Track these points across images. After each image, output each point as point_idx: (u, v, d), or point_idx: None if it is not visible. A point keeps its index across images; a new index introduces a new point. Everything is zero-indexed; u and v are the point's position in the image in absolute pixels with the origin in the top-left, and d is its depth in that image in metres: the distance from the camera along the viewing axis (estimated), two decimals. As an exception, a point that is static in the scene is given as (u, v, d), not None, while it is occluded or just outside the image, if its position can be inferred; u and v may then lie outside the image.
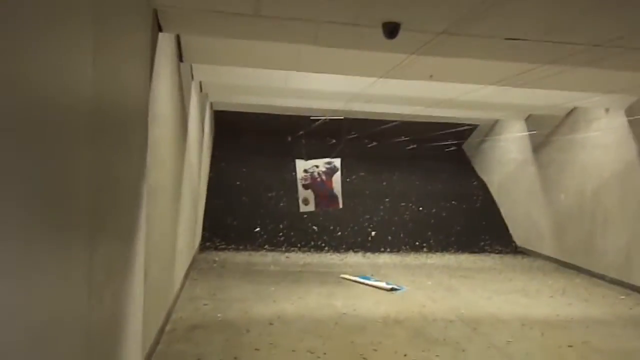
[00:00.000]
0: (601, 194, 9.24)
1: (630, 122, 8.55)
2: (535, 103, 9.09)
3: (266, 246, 10.83)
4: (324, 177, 9.48)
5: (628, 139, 8.61)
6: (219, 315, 6.14)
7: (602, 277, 9.05)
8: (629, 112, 8.58)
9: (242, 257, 10.05)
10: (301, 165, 9.47)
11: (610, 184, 9.01)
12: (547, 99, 8.35)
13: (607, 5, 3.38)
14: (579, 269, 9.69)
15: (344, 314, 6.49)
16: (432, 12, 3.44)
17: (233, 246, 10.63)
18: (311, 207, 9.60)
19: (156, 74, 4.17)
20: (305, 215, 11.17)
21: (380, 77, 5.76)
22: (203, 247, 10.37)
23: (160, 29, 4.28)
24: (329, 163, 9.58)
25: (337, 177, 9.57)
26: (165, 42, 4.68)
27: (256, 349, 5.04)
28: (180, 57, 5.84)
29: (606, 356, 5.30)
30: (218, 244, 10.60)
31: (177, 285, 6.68)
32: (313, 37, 4.69)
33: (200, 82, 8.57)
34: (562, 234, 10.42)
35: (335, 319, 6.25)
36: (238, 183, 12.36)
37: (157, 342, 4.85)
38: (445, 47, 4.22)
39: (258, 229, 11.24)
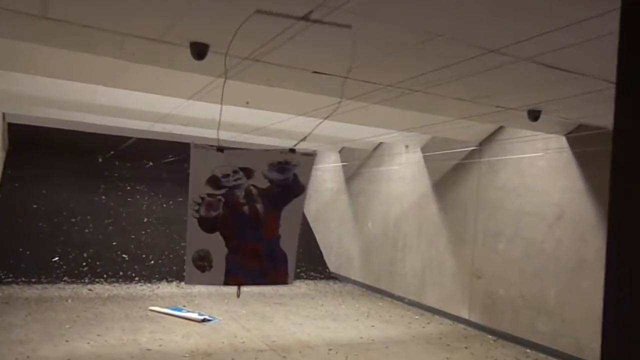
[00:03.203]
0: (402, 223, 10.15)
1: (425, 158, 9.60)
2: (345, 136, 9.70)
3: (65, 278, 9.65)
4: (258, 206, 3.98)
5: (423, 173, 9.64)
6: (-9, 362, 5.22)
7: (401, 299, 9.87)
8: (424, 149, 9.64)
9: (33, 291, 8.79)
10: (206, 162, 4.06)
11: (409, 213, 9.96)
12: (355, 133, 8.98)
13: (398, 51, 3.69)
14: (383, 292, 10.45)
15: (148, 350, 6.01)
16: (238, 37, 3.40)
17: (23, 279, 9.26)
18: (216, 278, 3.99)
19: None
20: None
21: (191, 99, 5.57)
22: (-17, 281, 8.86)
23: None
24: (280, 167, 3.95)
25: (295, 205, 4.11)
26: None
27: (34, 400, 4.35)
28: (-47, 57, 4.95)
29: (400, 374, 5.70)
30: (3, 277, 9.15)
31: (-62, 329, 5.53)
32: (118, 51, 4.34)
33: (-13, 90, 7.42)
34: (369, 260, 11.17)
35: (138, 357, 5.74)
36: (35, 206, 10.92)
37: None
38: (254, 73, 4.22)
39: (57, 258, 10.00)
